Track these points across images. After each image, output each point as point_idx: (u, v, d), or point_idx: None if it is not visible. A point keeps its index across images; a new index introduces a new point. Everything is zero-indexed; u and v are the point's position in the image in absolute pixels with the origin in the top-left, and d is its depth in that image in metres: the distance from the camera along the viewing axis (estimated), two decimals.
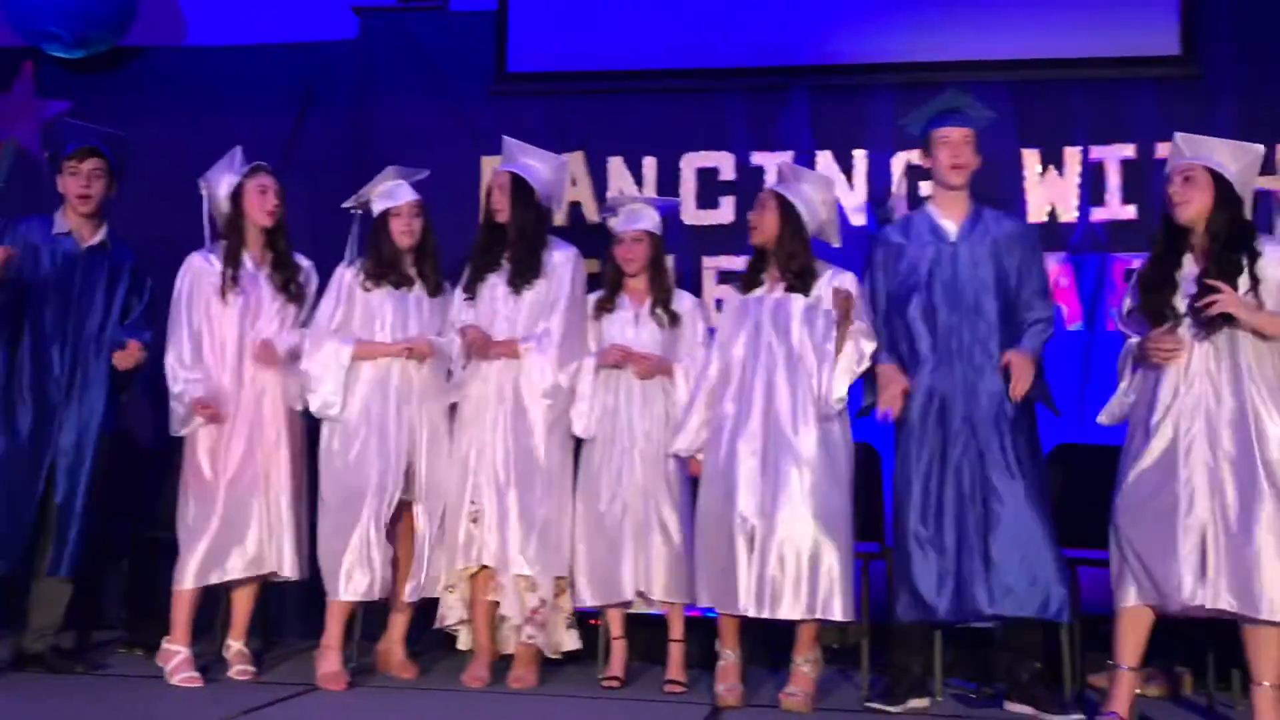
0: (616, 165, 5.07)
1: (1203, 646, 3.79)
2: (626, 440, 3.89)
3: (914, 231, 3.80)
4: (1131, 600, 3.29)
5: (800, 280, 3.74)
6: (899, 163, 4.94)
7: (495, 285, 4.00)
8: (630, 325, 3.99)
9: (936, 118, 3.79)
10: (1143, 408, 3.38)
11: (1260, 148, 3.48)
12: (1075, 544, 3.64)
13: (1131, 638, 3.32)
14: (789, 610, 3.53)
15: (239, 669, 3.89)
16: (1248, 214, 3.41)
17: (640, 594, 3.87)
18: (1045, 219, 4.85)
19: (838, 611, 3.54)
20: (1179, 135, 3.50)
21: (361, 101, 5.26)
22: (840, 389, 3.64)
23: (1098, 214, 4.84)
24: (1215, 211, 3.36)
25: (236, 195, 3.99)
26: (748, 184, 4.91)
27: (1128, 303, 3.51)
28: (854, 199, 4.99)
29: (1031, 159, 4.88)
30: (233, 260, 3.94)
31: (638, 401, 3.92)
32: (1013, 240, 3.73)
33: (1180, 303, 3.34)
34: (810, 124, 5.03)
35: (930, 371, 3.67)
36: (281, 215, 4.01)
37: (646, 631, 4.09)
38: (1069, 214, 4.84)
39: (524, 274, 3.96)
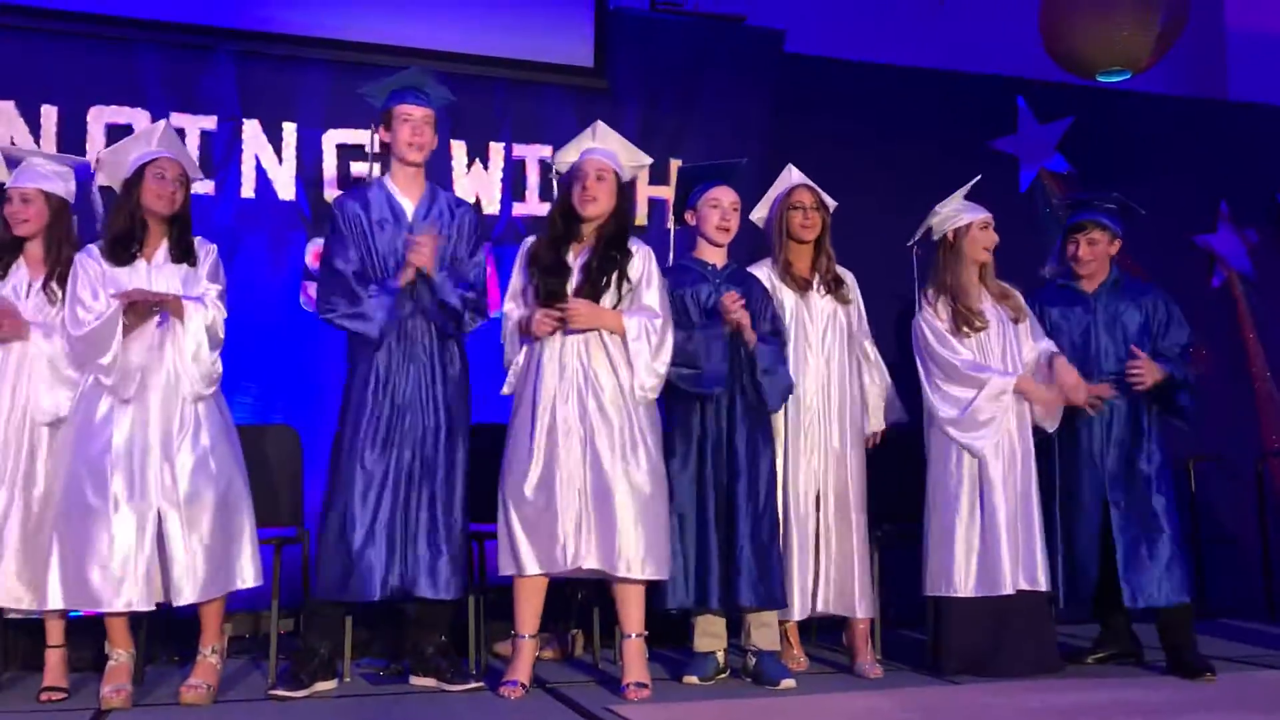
0: (7, 110, 4.49)
1: (590, 609, 4.13)
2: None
3: (372, 207, 3.73)
4: (518, 569, 3.51)
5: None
6: (330, 140, 4.88)
7: None
8: (18, 297, 3.55)
9: (400, 92, 3.73)
10: (526, 385, 3.61)
11: (647, 159, 3.85)
12: (480, 518, 3.79)
13: (528, 607, 3.55)
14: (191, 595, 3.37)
15: None
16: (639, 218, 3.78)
17: None
18: None
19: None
20: (599, 125, 3.78)
21: None
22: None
23: (519, 209, 5.13)
24: (615, 209, 3.68)
25: None
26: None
27: (517, 281, 3.71)
28: (284, 172, 4.84)
29: (460, 151, 5.05)
30: None
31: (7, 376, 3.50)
32: (462, 224, 3.80)
33: (570, 286, 3.61)
34: (237, 90, 4.80)
35: (384, 350, 3.64)
36: None
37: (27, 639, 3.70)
38: (493, 206, 5.08)
39: None
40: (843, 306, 4.04)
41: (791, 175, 4.13)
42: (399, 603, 3.69)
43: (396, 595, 3.58)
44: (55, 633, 3.53)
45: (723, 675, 3.83)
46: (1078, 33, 4.98)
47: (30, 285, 3.60)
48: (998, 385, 3.91)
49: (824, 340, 4.00)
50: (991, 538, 3.85)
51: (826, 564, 3.89)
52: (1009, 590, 3.82)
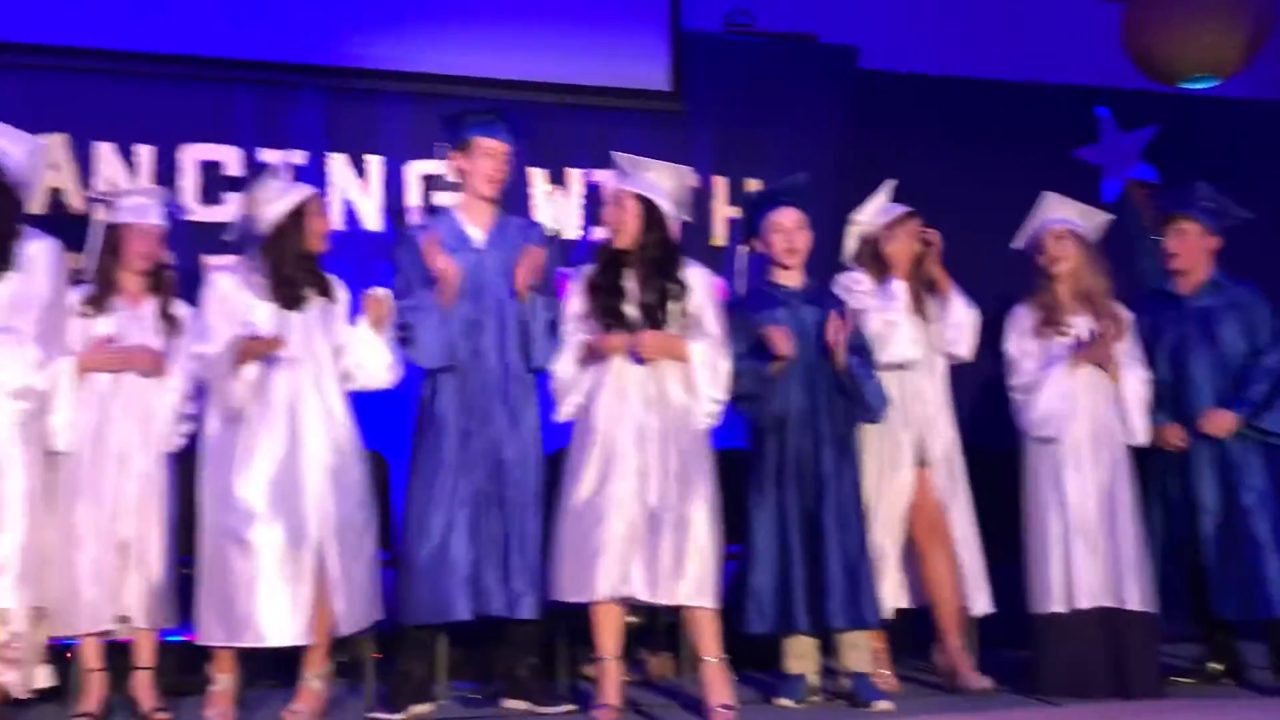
0: (106, 152, 4.66)
1: (676, 631, 4.13)
2: (115, 454, 3.55)
3: (441, 233, 3.77)
4: (564, 594, 3.52)
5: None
6: (414, 171, 4.98)
7: None
8: (124, 327, 3.64)
9: (484, 125, 3.77)
10: (584, 414, 3.62)
11: (689, 169, 3.84)
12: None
13: (605, 630, 3.54)
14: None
15: None
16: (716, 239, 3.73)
17: (124, 620, 3.55)
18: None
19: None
20: (617, 156, 3.77)
21: None
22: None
23: (598, 233, 5.16)
24: (646, 235, 3.66)
25: None
26: (255, 181, 4.72)
27: (578, 306, 3.70)
28: (369, 204, 4.95)
29: (538, 177, 5.11)
30: None
31: (136, 409, 3.58)
32: (533, 242, 3.81)
33: (631, 309, 3.61)
34: (323, 125, 4.92)
35: (458, 372, 3.71)
36: None
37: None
38: (572, 231, 5.14)
39: None
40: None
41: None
42: (489, 625, 3.73)
43: (479, 616, 3.62)
44: (144, 654, 3.61)
45: (815, 698, 3.80)
46: (1162, 41, 4.90)
47: (131, 317, 3.66)
48: (1059, 375, 3.87)
49: None
50: (1075, 551, 3.79)
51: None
52: (1085, 605, 3.75)
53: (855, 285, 4.01)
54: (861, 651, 3.78)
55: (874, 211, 4.10)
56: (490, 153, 3.76)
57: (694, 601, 3.50)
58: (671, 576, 3.47)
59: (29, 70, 4.62)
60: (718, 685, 3.53)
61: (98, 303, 3.63)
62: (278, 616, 3.39)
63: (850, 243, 4.14)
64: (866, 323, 3.91)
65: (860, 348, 3.85)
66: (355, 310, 3.77)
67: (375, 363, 3.64)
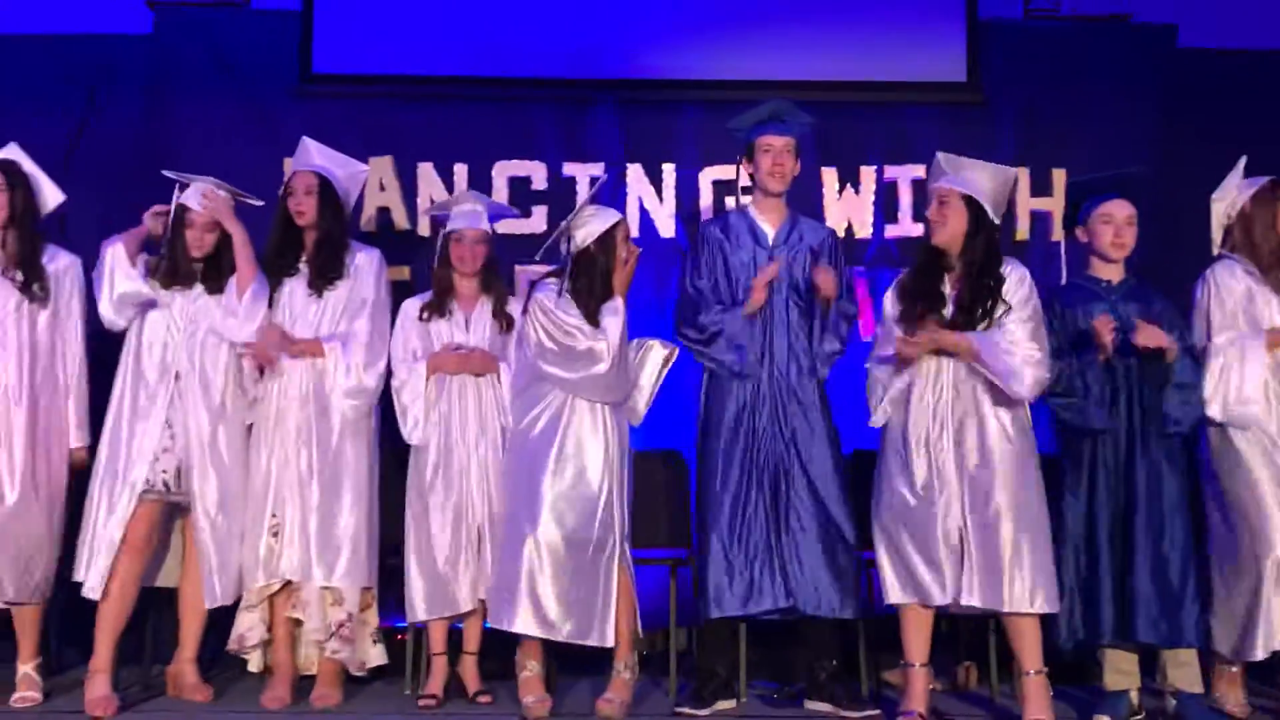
0: (426, 171, 5.02)
1: (984, 640, 3.98)
2: (462, 447, 3.81)
3: (733, 232, 3.88)
4: (898, 599, 3.48)
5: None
6: (706, 177, 5.07)
7: (294, 290, 3.86)
8: (461, 329, 3.91)
9: (760, 125, 3.86)
10: (898, 420, 3.56)
11: (1014, 171, 3.74)
12: (866, 546, 3.78)
13: (917, 636, 3.49)
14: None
15: (21, 695, 3.65)
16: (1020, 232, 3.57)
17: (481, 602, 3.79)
18: (843, 235, 5.05)
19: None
20: (940, 155, 3.68)
21: (154, 99, 5.04)
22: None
23: (891, 230, 5.09)
24: (970, 236, 3.55)
25: None
26: (559, 193, 4.96)
27: (890, 309, 3.66)
28: (664, 211, 5.08)
29: (830, 177, 5.08)
30: None
31: (472, 405, 3.84)
32: (824, 247, 3.87)
33: (947, 313, 3.52)
34: (620, 137, 5.09)
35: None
36: None
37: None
38: (864, 230, 5.07)
39: (326, 275, 3.83)
40: None
41: None
42: (786, 625, 3.74)
43: (782, 614, 3.66)
44: (472, 640, 3.86)
45: (1138, 717, 3.58)
46: None
47: (468, 319, 3.94)
48: None
49: None
50: None
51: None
52: None
53: (1231, 278, 3.73)
54: (1190, 670, 3.52)
55: (1235, 189, 3.82)
56: (766, 148, 3.82)
57: (1041, 609, 3.37)
58: (1012, 581, 3.36)
59: (359, 99, 5.06)
60: (1037, 700, 3.39)
61: (437, 308, 3.92)
62: (581, 614, 3.54)
63: (1216, 230, 3.87)
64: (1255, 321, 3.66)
65: (1184, 350, 3.59)
66: (635, 326, 3.85)
67: (637, 406, 3.82)
